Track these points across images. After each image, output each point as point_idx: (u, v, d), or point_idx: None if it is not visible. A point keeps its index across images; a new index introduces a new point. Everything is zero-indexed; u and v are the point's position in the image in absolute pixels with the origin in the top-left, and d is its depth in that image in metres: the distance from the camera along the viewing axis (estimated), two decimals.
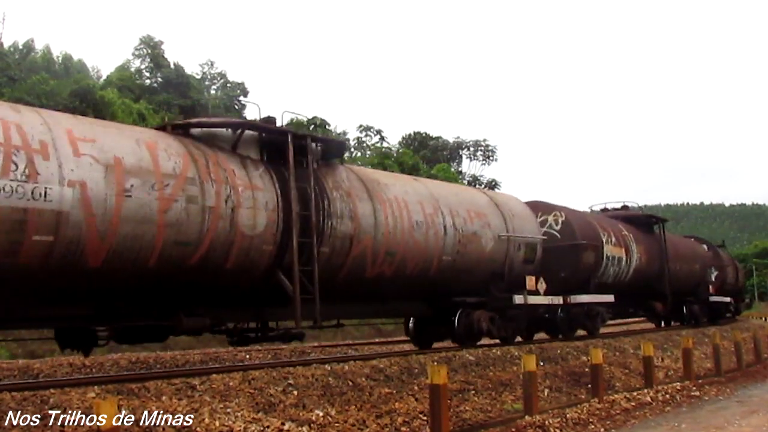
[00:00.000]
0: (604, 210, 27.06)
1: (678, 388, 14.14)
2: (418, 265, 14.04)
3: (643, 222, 26.34)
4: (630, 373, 15.70)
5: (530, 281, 16.95)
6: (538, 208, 20.12)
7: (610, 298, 20.63)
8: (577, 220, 20.51)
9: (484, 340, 16.83)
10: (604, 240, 21.03)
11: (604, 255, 20.91)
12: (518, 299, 16.46)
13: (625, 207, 27.56)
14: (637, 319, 34.50)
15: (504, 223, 16.58)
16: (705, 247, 33.82)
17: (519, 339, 18.69)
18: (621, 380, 14.97)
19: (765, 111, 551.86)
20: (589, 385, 12.89)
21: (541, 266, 17.78)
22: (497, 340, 16.84)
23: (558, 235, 19.65)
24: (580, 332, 20.70)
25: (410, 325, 17.12)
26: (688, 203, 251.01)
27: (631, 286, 23.11)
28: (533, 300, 17.01)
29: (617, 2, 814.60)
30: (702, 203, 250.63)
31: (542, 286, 17.37)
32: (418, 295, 15.13)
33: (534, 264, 17.42)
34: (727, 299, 33.62)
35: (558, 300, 18.12)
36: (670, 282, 25.41)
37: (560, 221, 19.96)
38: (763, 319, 46.03)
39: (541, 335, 20.18)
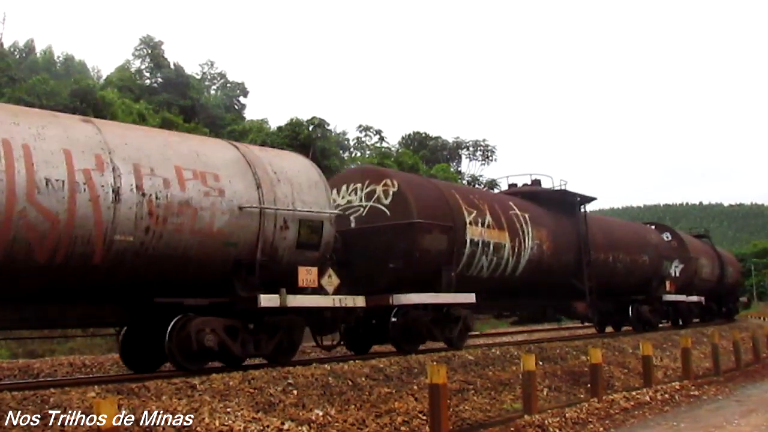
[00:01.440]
0: (512, 186, 21.68)
1: (677, 387, 14.17)
2: (63, 250, 9.32)
3: (557, 201, 20.32)
4: (629, 372, 15.77)
5: (307, 275, 11.87)
6: (365, 175, 15.25)
7: (469, 297, 15.25)
8: (418, 191, 15.02)
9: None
10: (468, 220, 15.67)
11: (468, 240, 15.53)
12: (266, 301, 11.15)
13: (536, 182, 21.64)
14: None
15: (256, 190, 11.53)
16: (667, 235, 28.37)
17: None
18: (620, 380, 15.02)
19: (764, 112, 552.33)
20: (589, 385, 12.92)
21: (350, 254, 13.36)
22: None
23: (387, 212, 14.46)
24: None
25: (120, 337, 11.95)
26: (687, 203, 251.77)
27: (530, 282, 18.04)
28: (297, 302, 11.64)
29: (617, 3, 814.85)
30: (701, 203, 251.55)
31: (332, 281, 12.44)
32: (87, 296, 10.34)
33: (319, 250, 12.33)
34: (694, 298, 28.12)
35: (355, 301, 12.74)
36: (592, 276, 20.25)
37: (391, 193, 14.56)
38: (762, 318, 46.10)
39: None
